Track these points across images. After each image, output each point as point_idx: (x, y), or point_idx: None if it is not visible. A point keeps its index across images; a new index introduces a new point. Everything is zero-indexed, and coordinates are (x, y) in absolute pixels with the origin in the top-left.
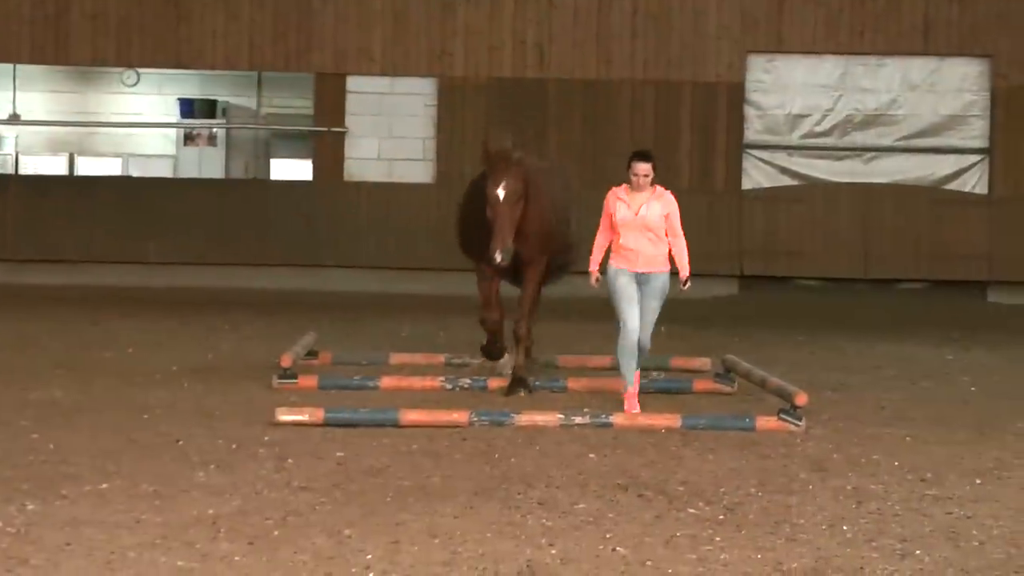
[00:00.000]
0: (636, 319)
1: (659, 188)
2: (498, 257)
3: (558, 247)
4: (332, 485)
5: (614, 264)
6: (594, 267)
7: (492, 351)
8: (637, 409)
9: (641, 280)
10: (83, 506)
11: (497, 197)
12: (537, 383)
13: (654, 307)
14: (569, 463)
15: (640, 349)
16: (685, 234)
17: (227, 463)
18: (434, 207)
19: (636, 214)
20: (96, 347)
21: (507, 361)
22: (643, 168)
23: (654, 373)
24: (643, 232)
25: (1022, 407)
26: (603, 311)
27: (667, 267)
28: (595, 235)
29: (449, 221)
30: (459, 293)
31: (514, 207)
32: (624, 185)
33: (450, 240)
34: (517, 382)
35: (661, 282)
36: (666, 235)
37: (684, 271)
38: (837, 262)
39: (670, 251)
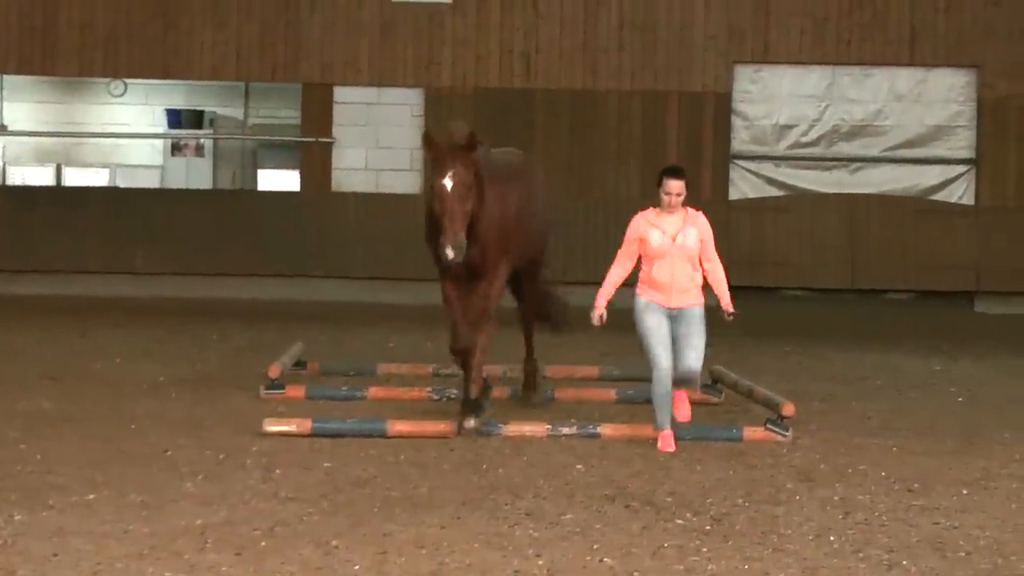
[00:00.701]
0: (669, 359)
1: (691, 210)
2: (450, 254)
3: (529, 255)
4: (320, 495)
5: (643, 297)
6: (602, 303)
7: (473, 386)
8: (673, 448)
9: (674, 316)
10: (71, 516)
11: (444, 188)
12: (526, 398)
13: (696, 332)
14: (556, 473)
15: (689, 379)
16: None
17: (215, 473)
18: (421, 217)
19: (673, 241)
20: (84, 357)
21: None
22: (676, 186)
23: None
24: (681, 262)
25: (1008, 417)
26: (584, 320)
27: (701, 299)
28: (610, 263)
29: None
30: None
31: (465, 199)
32: (652, 208)
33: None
34: (469, 405)
35: (698, 314)
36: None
37: (725, 299)
38: (824, 272)
39: (704, 280)
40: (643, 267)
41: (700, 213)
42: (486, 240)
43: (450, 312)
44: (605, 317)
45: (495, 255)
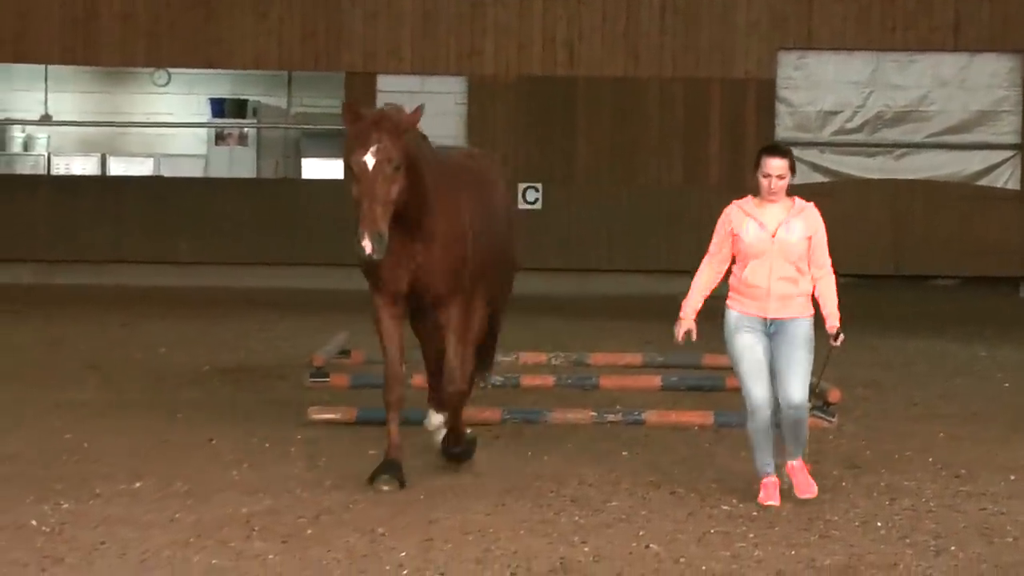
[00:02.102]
0: (766, 391)
1: (799, 200)
2: (367, 247)
3: (490, 276)
4: (364, 484)
5: (735, 309)
6: (690, 313)
7: (392, 442)
8: (776, 501)
9: (773, 332)
10: (117, 505)
11: (363, 165)
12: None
13: (799, 357)
14: (601, 460)
15: (791, 415)
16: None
17: (260, 462)
18: None
19: (773, 236)
20: (127, 347)
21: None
22: (777, 166)
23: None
24: (781, 263)
25: None
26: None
27: (810, 312)
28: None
29: None
30: None
31: (390, 181)
32: (749, 196)
33: None
34: (453, 454)
35: (803, 330)
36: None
37: (832, 319)
38: (869, 259)
39: (813, 290)
40: (735, 270)
41: (811, 205)
42: (436, 268)
43: (385, 345)
44: (695, 334)
45: (449, 287)
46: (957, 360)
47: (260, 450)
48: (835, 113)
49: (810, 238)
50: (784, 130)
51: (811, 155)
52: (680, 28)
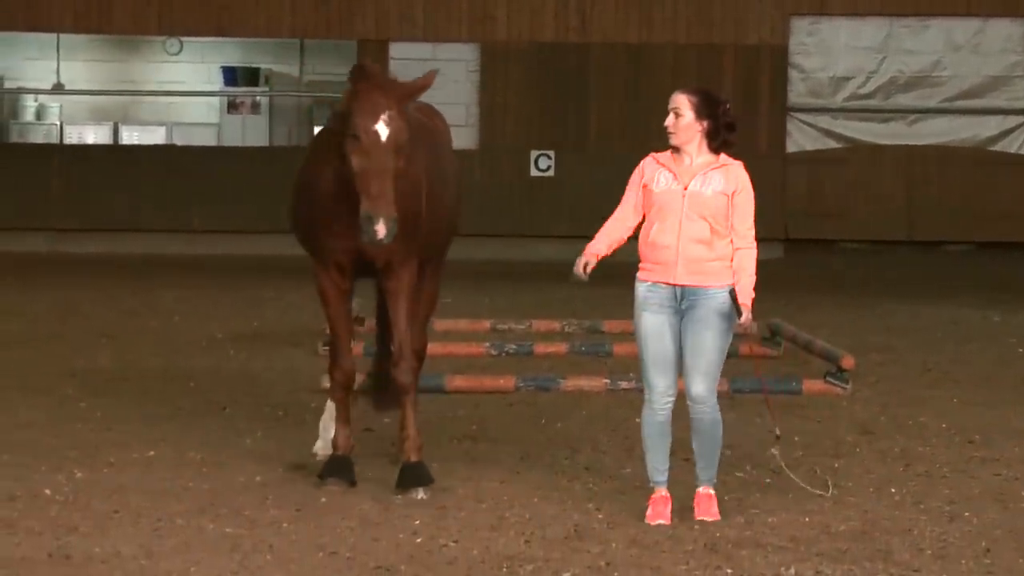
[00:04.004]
0: (668, 379)
1: (724, 156)
2: (381, 231)
3: (437, 243)
4: (378, 451)
5: (643, 282)
6: (591, 253)
7: (342, 437)
8: (666, 520)
9: (684, 302)
10: (130, 473)
11: (376, 136)
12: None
13: (708, 340)
14: (615, 427)
15: (696, 412)
16: None
17: (273, 430)
18: (477, 173)
19: (685, 188)
20: (141, 316)
21: (328, 425)
22: (673, 99)
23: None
24: (694, 220)
25: None
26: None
27: (726, 281)
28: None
29: (491, 186)
30: (503, 258)
31: (399, 157)
32: (671, 151)
33: (490, 205)
34: (413, 472)
35: (716, 304)
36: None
37: (744, 295)
38: (882, 224)
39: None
40: (642, 233)
41: (739, 164)
42: (405, 228)
43: (334, 321)
44: (591, 267)
45: (408, 250)
46: (970, 326)
47: (274, 418)
48: (848, 79)
49: (730, 195)
50: (797, 96)
51: (824, 121)
52: None
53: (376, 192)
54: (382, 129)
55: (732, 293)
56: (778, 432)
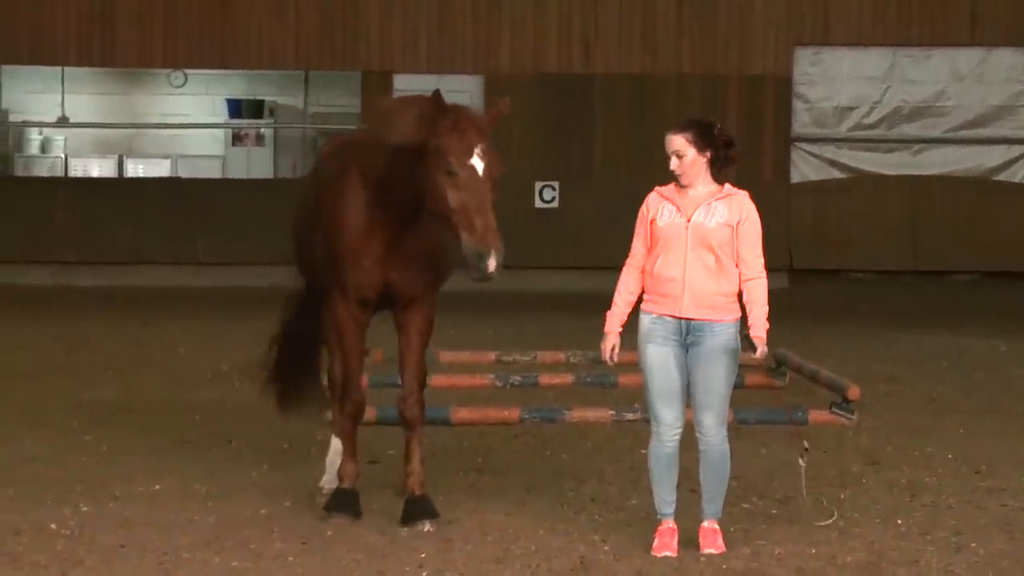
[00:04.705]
0: (676, 410)
1: (729, 186)
2: (492, 266)
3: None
4: (384, 483)
5: (648, 314)
6: (615, 328)
7: (348, 470)
8: (673, 552)
9: (690, 336)
10: (136, 507)
11: (475, 170)
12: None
13: (716, 376)
14: (621, 459)
15: (706, 445)
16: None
17: (279, 463)
18: None
19: (689, 220)
20: (147, 347)
21: (334, 459)
22: (671, 143)
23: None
24: (698, 252)
25: None
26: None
27: (733, 315)
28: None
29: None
30: (508, 289)
31: (495, 190)
32: (674, 184)
33: None
34: (417, 506)
35: (723, 340)
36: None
37: (757, 327)
38: (887, 254)
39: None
40: (648, 265)
41: (744, 193)
42: (423, 263)
43: (348, 354)
44: (617, 349)
45: (429, 285)
46: (976, 355)
47: (279, 451)
48: (852, 109)
49: (735, 226)
50: (801, 126)
51: (829, 151)
52: (697, 24)
53: (482, 226)
54: (478, 163)
55: (746, 337)
56: (806, 444)
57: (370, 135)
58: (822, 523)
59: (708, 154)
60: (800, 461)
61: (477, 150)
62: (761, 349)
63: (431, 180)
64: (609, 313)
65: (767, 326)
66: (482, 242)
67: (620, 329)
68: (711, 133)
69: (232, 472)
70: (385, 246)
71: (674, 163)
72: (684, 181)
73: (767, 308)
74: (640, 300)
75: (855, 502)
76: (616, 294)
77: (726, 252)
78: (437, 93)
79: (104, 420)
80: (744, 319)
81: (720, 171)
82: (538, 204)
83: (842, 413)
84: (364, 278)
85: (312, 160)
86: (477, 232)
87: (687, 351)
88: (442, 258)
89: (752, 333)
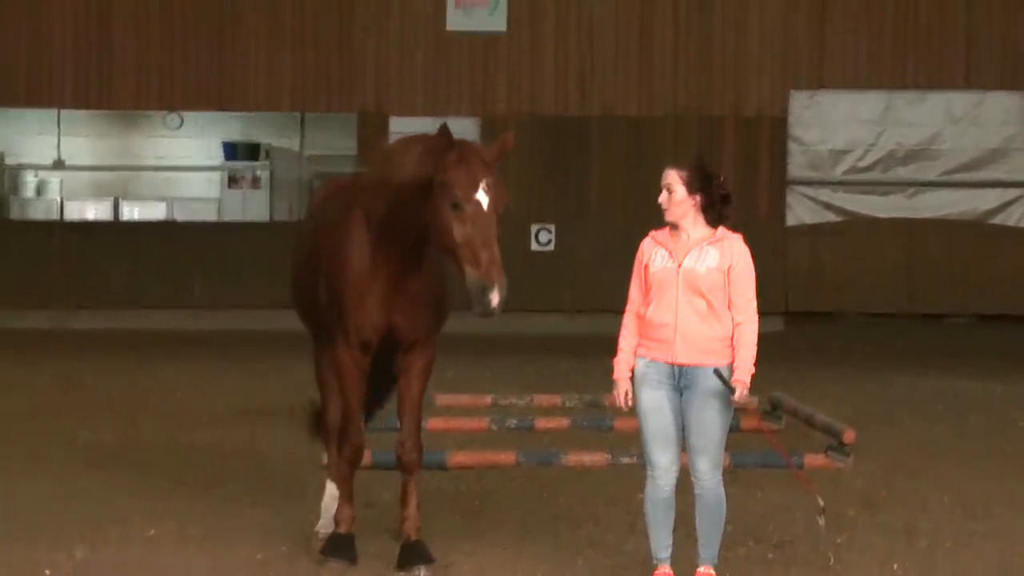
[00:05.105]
0: (671, 455)
1: (722, 230)
2: (495, 300)
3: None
4: (381, 527)
5: (643, 358)
6: (625, 374)
7: (345, 514)
8: None
9: (683, 380)
10: (132, 550)
11: (480, 204)
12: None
13: (711, 420)
14: (617, 503)
15: (702, 489)
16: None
17: (275, 506)
18: None
19: (680, 265)
20: (143, 390)
21: (330, 503)
22: (666, 175)
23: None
24: (690, 297)
25: None
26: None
27: (727, 359)
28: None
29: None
30: (504, 332)
31: (500, 225)
32: (668, 228)
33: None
34: (413, 551)
35: (716, 383)
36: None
37: (742, 371)
38: (882, 297)
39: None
40: (641, 311)
41: (738, 237)
42: (424, 305)
43: (349, 397)
44: (631, 396)
45: (431, 327)
46: (972, 397)
47: (276, 494)
48: (847, 152)
49: (727, 271)
50: (796, 168)
51: (824, 194)
52: (693, 66)
53: (487, 260)
54: (483, 197)
55: (718, 372)
56: (822, 502)
57: (371, 177)
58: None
59: (698, 198)
60: (819, 520)
61: (483, 184)
62: (740, 392)
63: (436, 214)
64: (616, 360)
65: (752, 371)
66: (486, 276)
67: (629, 374)
68: (709, 181)
69: (228, 515)
70: (388, 289)
71: (663, 197)
72: (668, 217)
73: (754, 353)
74: None
75: (851, 546)
76: (620, 339)
77: (718, 297)
78: (444, 127)
79: (100, 462)
80: None
81: (715, 219)
82: (534, 246)
83: (838, 457)
84: (367, 321)
85: (308, 203)
86: (482, 266)
87: (681, 395)
88: (445, 301)
89: (734, 376)
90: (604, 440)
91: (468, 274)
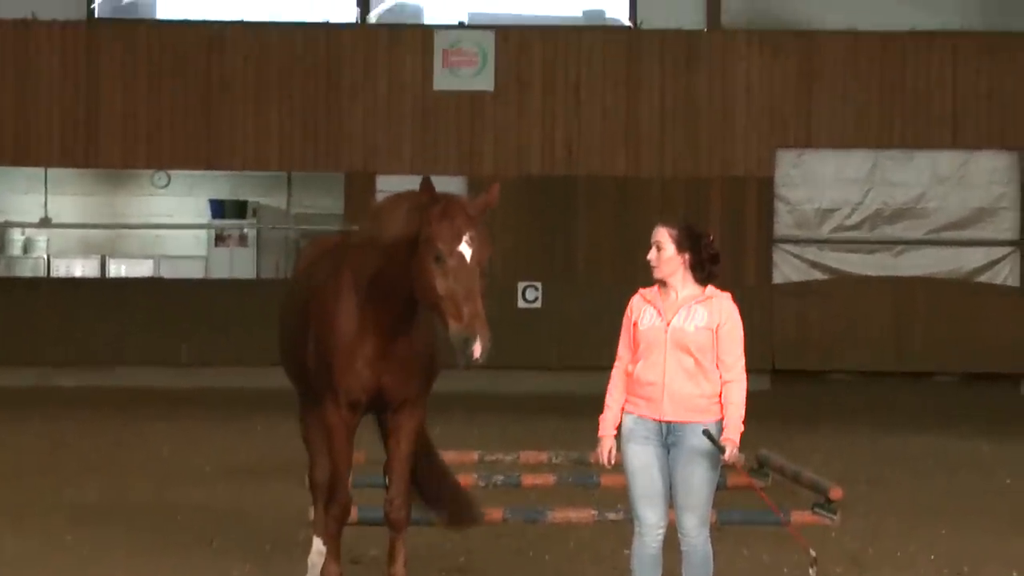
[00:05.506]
0: (659, 512)
1: (711, 288)
2: (478, 351)
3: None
4: None
5: (628, 410)
6: (610, 431)
7: (331, 571)
8: None
9: (671, 437)
10: None
11: (463, 257)
12: None
13: (698, 477)
14: (603, 559)
15: (688, 546)
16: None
17: (262, 563)
18: None
19: (668, 324)
20: (129, 448)
21: (316, 560)
22: (656, 233)
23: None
24: (678, 356)
25: None
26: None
27: (714, 417)
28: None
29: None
30: (491, 390)
31: (483, 277)
32: (657, 285)
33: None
34: None
35: (703, 441)
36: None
37: (731, 430)
38: (870, 356)
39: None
40: (629, 368)
41: (726, 296)
42: (415, 364)
43: (338, 457)
44: (615, 453)
45: (421, 387)
46: (960, 456)
47: (262, 552)
48: (834, 210)
49: (715, 329)
50: (784, 227)
51: (810, 253)
52: (680, 127)
53: (469, 313)
54: (466, 249)
55: (708, 433)
56: (814, 553)
57: (359, 236)
58: None
59: (687, 256)
60: (811, 572)
61: (466, 237)
62: (730, 451)
63: (420, 268)
64: (602, 417)
65: (741, 429)
66: (468, 328)
67: (615, 432)
68: (698, 241)
69: (216, 572)
70: (377, 349)
71: (652, 254)
72: (656, 274)
73: (743, 411)
74: None
75: None
76: (607, 396)
77: (706, 355)
78: (426, 180)
79: (87, 519)
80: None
81: (704, 278)
82: (521, 304)
83: (824, 513)
84: (356, 382)
85: (295, 261)
86: (464, 319)
87: (669, 452)
88: (435, 361)
89: (724, 435)
90: (591, 496)
91: (451, 327)
